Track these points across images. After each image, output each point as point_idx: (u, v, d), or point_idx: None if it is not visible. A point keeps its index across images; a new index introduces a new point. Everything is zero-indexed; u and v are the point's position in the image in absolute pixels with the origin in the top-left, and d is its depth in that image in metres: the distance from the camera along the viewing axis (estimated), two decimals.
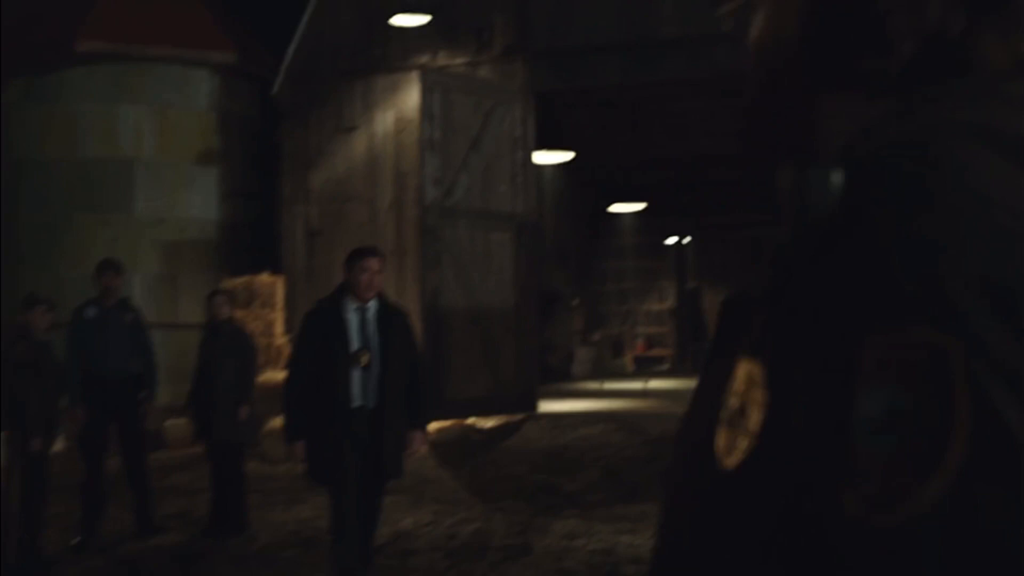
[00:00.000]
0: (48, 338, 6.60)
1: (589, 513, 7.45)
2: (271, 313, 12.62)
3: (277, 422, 10.87)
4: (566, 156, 17.27)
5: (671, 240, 28.09)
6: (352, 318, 5.10)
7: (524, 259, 12.70)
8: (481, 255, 12.21)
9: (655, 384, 20.74)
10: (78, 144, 12.96)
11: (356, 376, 4.99)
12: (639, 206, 24.28)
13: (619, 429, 12.13)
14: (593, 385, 18.84)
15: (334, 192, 12.75)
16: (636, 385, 19.59)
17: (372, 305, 5.15)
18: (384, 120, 12.48)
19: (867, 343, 0.59)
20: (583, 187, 23.04)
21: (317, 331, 5.08)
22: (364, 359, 4.95)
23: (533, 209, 13.05)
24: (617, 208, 24.59)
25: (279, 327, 12.65)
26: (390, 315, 5.21)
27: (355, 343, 5.01)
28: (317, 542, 6.77)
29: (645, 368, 27.79)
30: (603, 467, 9.74)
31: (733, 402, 0.67)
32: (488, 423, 12.20)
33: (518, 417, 12.60)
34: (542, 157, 15.50)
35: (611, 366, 25.67)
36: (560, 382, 20.39)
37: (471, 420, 12.02)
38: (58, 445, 10.40)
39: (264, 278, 12.73)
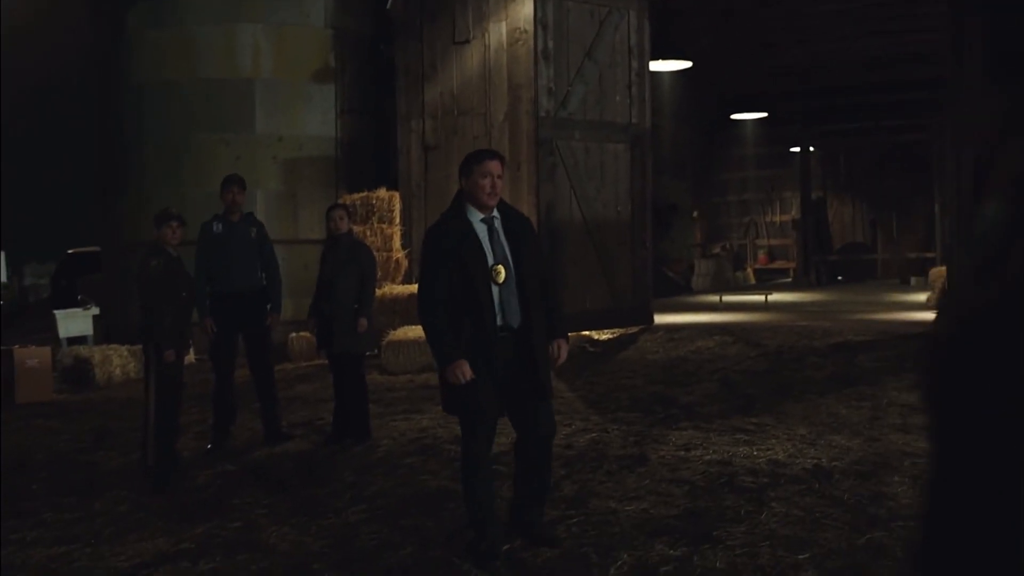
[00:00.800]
0: (179, 253, 6.83)
1: (705, 425, 7.41)
2: (389, 228, 12.79)
3: (396, 334, 11.09)
4: (684, 65, 16.82)
5: (794, 149, 27.29)
6: (480, 230, 4.55)
7: (640, 171, 12.52)
8: (596, 167, 12.08)
9: (776, 297, 20.39)
10: (197, 65, 13.23)
11: (495, 293, 4.48)
12: (761, 114, 23.60)
13: (736, 342, 11.99)
14: (712, 298, 18.63)
15: (448, 106, 12.74)
16: (756, 298, 19.30)
17: (497, 215, 4.61)
18: (497, 31, 12.35)
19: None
20: (703, 96, 22.48)
21: (445, 247, 4.49)
22: (502, 274, 4.47)
23: (649, 119, 12.80)
24: (738, 117, 23.96)
25: (396, 241, 12.82)
26: (516, 223, 4.66)
27: (490, 256, 4.50)
28: (437, 450, 6.93)
29: (767, 281, 27.33)
30: (719, 379, 9.66)
31: None
32: (604, 335, 12.21)
33: (634, 329, 12.57)
34: (659, 66, 15.15)
35: (732, 279, 25.34)
36: (680, 295, 20.24)
37: (587, 332, 12.04)
38: (190, 356, 10.88)
39: (381, 193, 12.88)
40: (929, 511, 0.64)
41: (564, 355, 4.76)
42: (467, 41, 12.56)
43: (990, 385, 0.59)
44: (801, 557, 4.50)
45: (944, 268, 16.54)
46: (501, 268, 4.50)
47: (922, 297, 19.15)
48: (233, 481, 6.43)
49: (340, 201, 11.36)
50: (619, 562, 4.51)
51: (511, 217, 4.69)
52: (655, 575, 4.37)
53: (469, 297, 4.45)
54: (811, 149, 27.44)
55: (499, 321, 4.49)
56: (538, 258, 4.73)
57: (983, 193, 0.62)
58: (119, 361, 12.06)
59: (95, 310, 14.06)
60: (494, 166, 4.54)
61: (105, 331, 13.70)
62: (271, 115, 13.29)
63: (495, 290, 4.49)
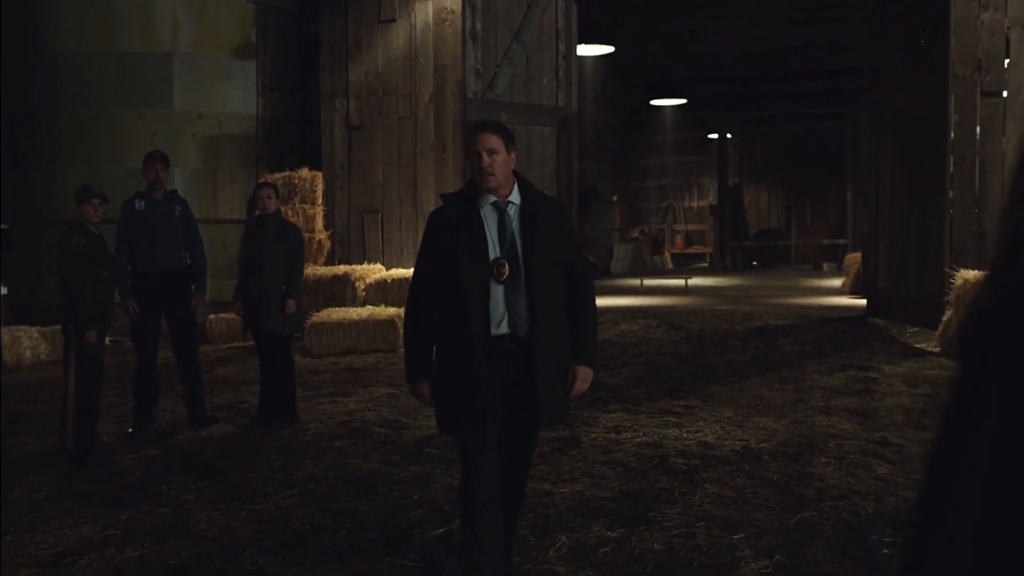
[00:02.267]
0: (100, 231, 6.62)
1: (634, 407, 7.47)
2: (311, 208, 12.61)
3: (320, 316, 10.95)
4: (607, 49, 16.89)
5: (712, 136, 27.67)
6: (489, 216, 3.75)
7: (566, 154, 12.54)
8: (523, 150, 12.06)
9: (695, 281, 20.67)
10: (115, 37, 12.83)
11: (498, 293, 3.70)
12: (680, 101, 23.86)
13: (660, 325, 12.12)
14: (633, 282, 18.80)
15: (373, 86, 12.59)
16: (677, 282, 19.54)
17: (514, 199, 3.79)
18: (424, 11, 12.23)
19: None
20: (624, 81, 22.62)
21: (444, 235, 3.73)
22: (505, 271, 3.68)
23: (576, 103, 12.82)
24: (658, 103, 24.18)
25: (319, 222, 12.65)
26: (539, 211, 3.79)
27: (494, 249, 3.72)
28: (367, 433, 6.85)
29: (684, 265, 27.71)
30: (645, 362, 9.76)
31: None
32: None
33: None
34: (582, 50, 15.19)
35: (650, 263, 25.62)
36: (600, 279, 20.40)
37: None
38: (110, 338, 10.58)
39: (303, 173, 12.69)
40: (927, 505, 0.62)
41: (583, 386, 3.89)
42: (393, 20, 12.42)
43: (995, 387, 0.57)
44: (736, 537, 4.56)
45: (858, 254, 16.94)
46: (506, 263, 3.70)
47: (836, 283, 19.60)
48: (158, 465, 6.27)
49: (268, 180, 11.16)
50: (557, 544, 4.51)
51: (535, 204, 3.82)
52: (594, 556, 4.39)
53: (461, 296, 3.69)
54: (728, 136, 27.86)
55: (502, 328, 3.70)
56: (565, 255, 3.85)
57: (1014, 190, 0.60)
58: (29, 343, 11.66)
59: (3, 290, 13.59)
60: (487, 140, 3.73)
61: (14, 311, 13.25)
62: (190, 91, 12.96)
63: (497, 290, 3.70)
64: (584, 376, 3.87)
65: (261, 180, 7.68)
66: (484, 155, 3.70)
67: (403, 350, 3.93)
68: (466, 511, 3.79)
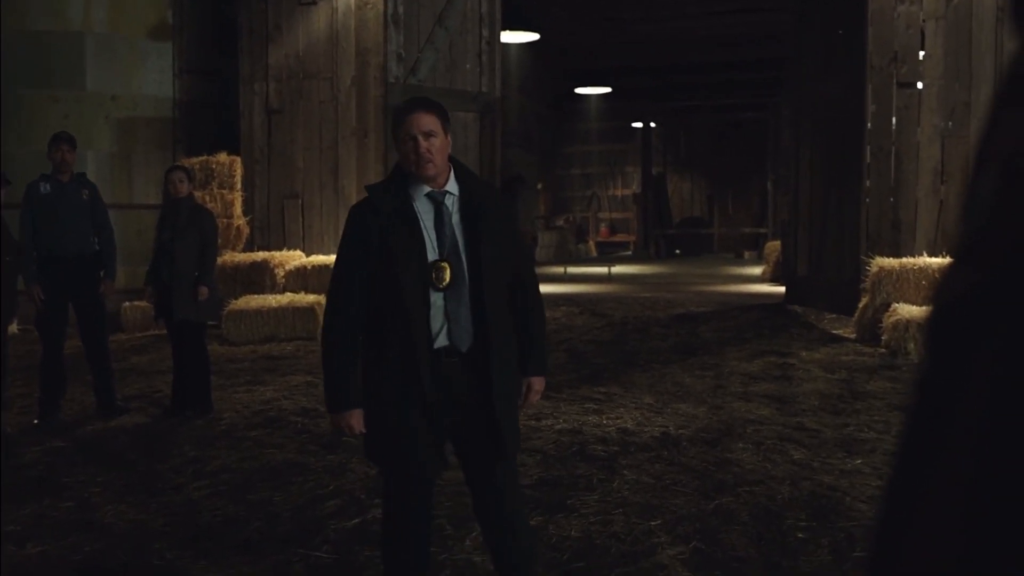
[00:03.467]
0: (2, 215, 6.36)
1: (555, 394, 7.44)
2: (230, 194, 12.35)
3: (238, 304, 10.74)
4: (533, 36, 16.84)
5: (636, 124, 27.82)
6: (424, 210, 3.20)
7: (489, 140, 12.47)
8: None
9: (618, 269, 20.78)
10: (26, 16, 12.40)
11: (437, 301, 3.15)
12: (605, 89, 23.94)
13: (582, 312, 12.15)
14: (557, 269, 18.82)
15: (294, 69, 12.36)
16: (600, 270, 19.61)
17: (452, 188, 3.23)
18: None
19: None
20: (549, 69, 22.60)
21: (372, 234, 3.14)
22: (445, 275, 3.14)
23: (499, 89, 12.75)
24: (583, 91, 24.23)
25: (238, 208, 12.40)
26: (481, 203, 3.24)
27: (433, 250, 3.16)
28: (283, 422, 6.72)
29: (608, 253, 27.86)
30: (567, 349, 9.75)
31: None
32: None
33: None
34: (507, 37, 15.12)
35: (574, 251, 25.70)
36: None
37: None
38: (13, 327, 10.23)
39: (221, 158, 12.41)
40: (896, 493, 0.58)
41: (535, 397, 3.46)
42: (314, 3, 12.19)
43: (972, 367, 0.56)
44: (653, 523, 4.55)
45: (777, 242, 17.18)
46: (447, 266, 3.15)
47: (756, 270, 19.88)
48: (64, 458, 6.06)
49: (181, 164, 10.87)
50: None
51: (475, 193, 3.27)
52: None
53: (396, 306, 3.12)
54: (652, 125, 28.06)
55: (439, 342, 3.16)
56: (510, 254, 3.32)
57: (976, 169, 0.57)
58: None
59: None
60: (422, 120, 3.16)
61: None
62: (104, 72, 12.59)
63: (436, 297, 3.15)
64: (539, 387, 3.46)
65: (171, 165, 7.44)
66: (420, 139, 3.14)
67: (323, 371, 3.28)
68: (387, 543, 3.35)
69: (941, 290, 0.60)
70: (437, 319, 3.15)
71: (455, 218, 3.22)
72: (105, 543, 4.50)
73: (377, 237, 3.14)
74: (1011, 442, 0.52)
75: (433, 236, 3.18)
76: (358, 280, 3.18)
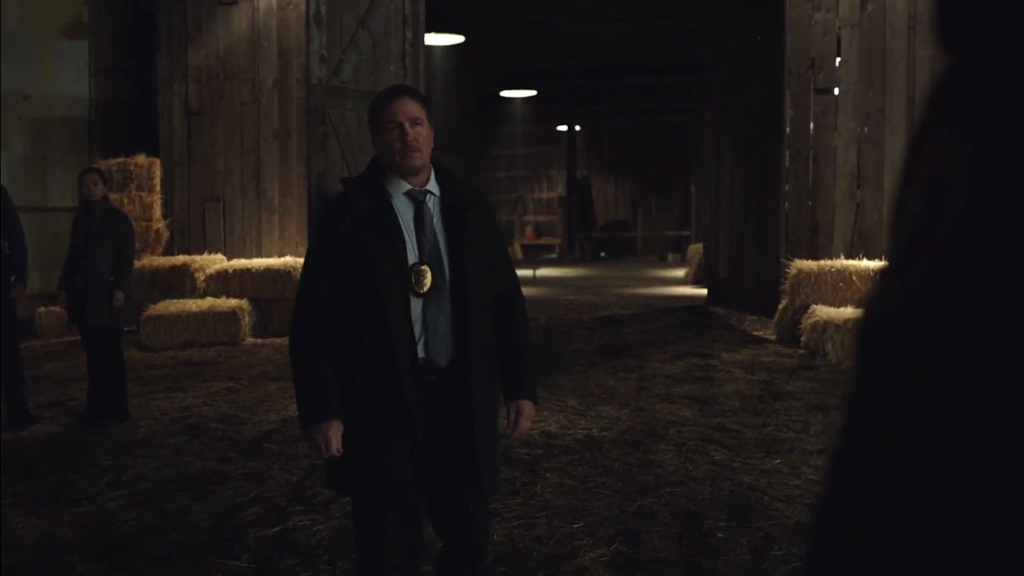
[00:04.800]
0: None
1: None
2: (148, 196, 12.10)
3: (156, 308, 10.52)
4: (456, 39, 16.82)
5: (561, 128, 27.97)
6: (403, 209, 2.91)
7: None
8: (369, 137, 11.87)
9: (543, 272, 20.85)
10: None
11: (415, 309, 2.84)
12: (530, 92, 24.02)
13: None
14: None
15: (214, 69, 12.16)
16: (525, 273, 19.66)
17: (433, 189, 2.95)
18: None
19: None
20: (474, 72, 22.60)
21: (344, 233, 2.84)
22: (426, 280, 2.84)
23: (423, 91, 12.70)
24: (508, 94, 24.27)
25: (157, 210, 12.15)
26: (463, 202, 2.96)
27: (412, 252, 2.87)
28: (202, 429, 6.60)
29: (533, 256, 27.95)
30: None
31: None
32: None
33: None
34: (432, 39, 15.08)
35: None
36: None
37: None
38: None
39: (140, 159, 12.16)
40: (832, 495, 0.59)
41: (525, 424, 3.05)
42: (235, 2, 12.01)
43: (898, 384, 0.55)
44: (576, 526, 4.57)
45: (699, 245, 17.40)
46: (427, 269, 2.85)
47: (679, 273, 20.11)
48: None
49: (95, 166, 10.63)
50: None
51: (456, 193, 2.99)
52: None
53: (372, 313, 2.80)
54: (577, 129, 28.24)
55: (419, 353, 2.83)
56: (496, 264, 3.02)
57: (903, 186, 0.58)
58: None
59: None
60: (407, 107, 2.89)
61: None
62: (16, 71, 12.24)
63: (415, 304, 2.84)
64: (528, 412, 3.05)
65: (85, 167, 7.25)
66: (407, 126, 2.84)
67: (294, 383, 2.92)
68: None
69: (868, 308, 0.60)
70: (415, 328, 2.83)
71: (436, 220, 2.92)
72: (15, 557, 4.37)
73: (351, 236, 2.82)
74: (935, 462, 0.52)
75: (413, 237, 2.87)
76: (329, 284, 2.85)
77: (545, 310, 12.60)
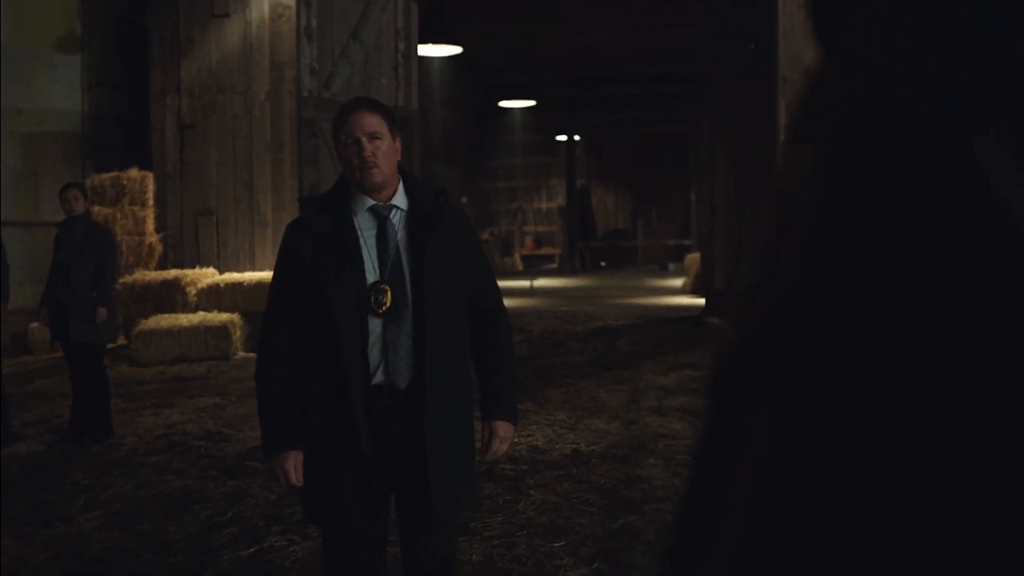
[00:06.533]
0: None
1: None
2: (141, 210, 12.05)
3: (147, 323, 10.46)
4: (454, 50, 16.78)
5: (561, 138, 27.92)
6: (366, 226, 2.81)
7: (407, 154, 12.36)
8: None
9: (541, 282, 20.78)
10: None
11: (375, 329, 2.75)
12: (529, 103, 23.97)
13: None
14: None
15: (207, 83, 12.12)
16: (522, 284, 19.59)
17: (399, 202, 2.85)
18: (259, 6, 11.84)
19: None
20: (472, 82, 22.56)
21: (306, 254, 2.77)
22: (386, 299, 2.73)
23: (416, 102, 12.66)
24: (507, 104, 24.23)
25: (150, 224, 12.10)
26: (433, 219, 2.83)
27: (373, 271, 2.77)
28: (185, 447, 6.52)
29: (534, 266, 27.88)
30: None
31: None
32: None
33: None
34: (429, 50, 15.04)
35: (500, 264, 25.66)
36: None
37: None
38: None
39: (133, 173, 12.11)
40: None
41: (502, 447, 2.98)
42: (227, 15, 11.98)
43: (742, 429, 0.53)
44: (557, 545, 4.48)
45: (697, 255, 17.32)
46: (388, 289, 2.73)
47: (678, 282, 20.03)
48: None
49: (88, 181, 10.61)
50: None
51: (426, 206, 2.86)
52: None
53: (327, 336, 2.73)
54: (576, 138, 28.19)
55: (377, 378, 2.73)
56: (468, 278, 2.90)
57: (764, 203, 0.51)
58: None
59: None
60: (365, 121, 2.78)
61: None
62: (8, 85, 12.21)
63: (375, 324, 2.74)
64: (504, 433, 2.95)
65: (66, 182, 7.19)
66: (364, 141, 2.75)
67: (258, 412, 2.86)
68: None
69: (719, 348, 0.55)
70: (375, 350, 2.73)
71: (401, 235, 2.81)
72: None
73: (310, 257, 2.75)
74: (772, 509, 0.49)
75: (374, 255, 2.77)
76: (293, 308, 2.78)
77: (539, 321, 12.52)
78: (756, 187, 11.25)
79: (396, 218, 2.82)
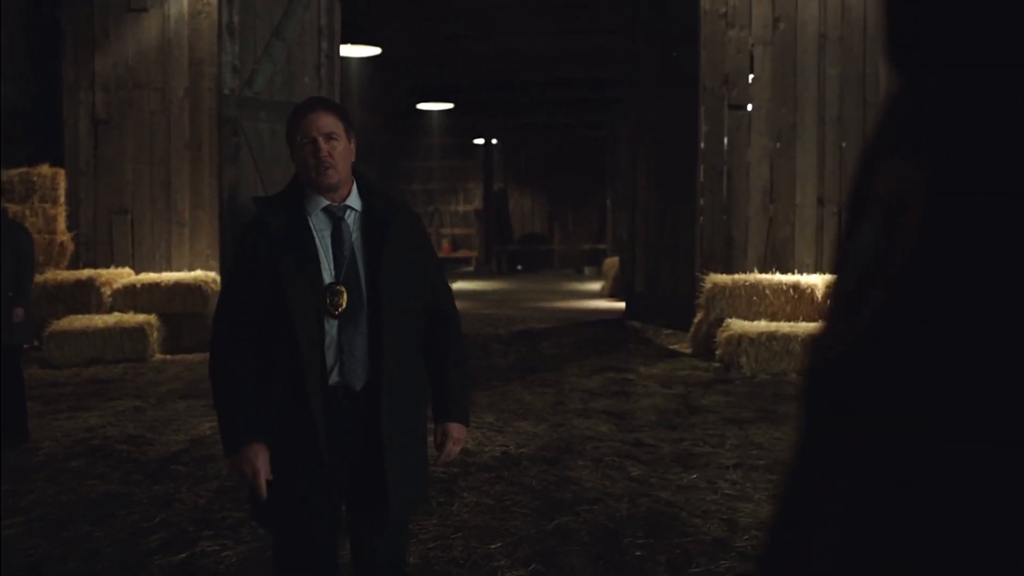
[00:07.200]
0: None
1: None
2: (52, 208, 11.71)
3: (60, 324, 10.17)
4: (373, 50, 16.69)
5: (478, 141, 27.95)
6: (320, 227, 2.82)
7: None
8: (283, 150, 11.62)
9: (460, 285, 20.78)
10: None
11: (331, 331, 2.75)
12: (447, 105, 23.94)
13: None
14: None
15: (123, 78, 11.84)
16: None
17: (354, 204, 2.86)
18: (178, 1, 11.61)
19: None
20: (390, 84, 22.44)
21: (258, 253, 2.75)
22: (342, 301, 2.73)
23: (338, 102, 12.54)
24: (425, 107, 24.17)
25: (61, 223, 11.76)
26: (388, 220, 2.84)
27: (328, 271, 2.77)
28: (107, 451, 6.37)
29: (450, 269, 27.87)
30: None
31: None
32: None
33: None
34: (348, 51, 14.93)
35: None
36: None
37: None
38: None
39: (44, 170, 11.75)
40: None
41: (455, 448, 3.01)
42: (144, 9, 11.72)
43: (848, 435, 0.53)
44: (493, 546, 4.50)
45: (616, 259, 17.51)
46: (343, 289, 2.73)
47: (596, 286, 20.22)
48: None
49: None
50: None
51: (380, 207, 2.87)
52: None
53: (283, 337, 2.72)
54: (494, 142, 28.26)
55: (334, 378, 2.75)
56: (422, 280, 2.92)
57: (852, 218, 0.54)
58: None
59: None
60: (321, 121, 2.78)
61: None
62: None
63: (330, 326, 2.75)
64: (458, 435, 2.97)
65: None
66: (321, 141, 2.75)
67: (216, 411, 2.83)
68: None
69: (817, 349, 0.56)
70: (330, 351, 2.74)
71: (355, 236, 2.82)
72: None
73: (266, 257, 2.74)
74: (879, 516, 0.49)
75: (330, 256, 2.78)
76: (248, 306, 2.76)
77: (462, 324, 12.54)
78: (678, 192, 11.43)
79: (351, 219, 2.84)
